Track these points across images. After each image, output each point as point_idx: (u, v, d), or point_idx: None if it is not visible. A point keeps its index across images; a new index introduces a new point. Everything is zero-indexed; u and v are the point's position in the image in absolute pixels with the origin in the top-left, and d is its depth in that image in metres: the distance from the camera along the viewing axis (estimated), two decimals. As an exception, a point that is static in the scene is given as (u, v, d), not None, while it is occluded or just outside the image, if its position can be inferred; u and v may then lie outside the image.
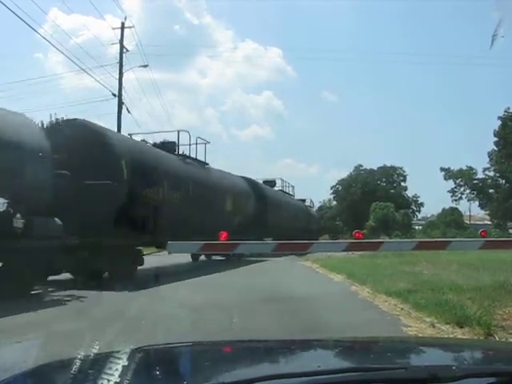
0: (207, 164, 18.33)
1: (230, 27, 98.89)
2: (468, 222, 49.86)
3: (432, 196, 78.43)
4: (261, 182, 26.40)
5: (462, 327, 5.95)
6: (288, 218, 26.81)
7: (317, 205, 52.82)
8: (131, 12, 78.11)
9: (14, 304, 7.50)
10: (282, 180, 30.80)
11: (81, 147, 11.23)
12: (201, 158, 17.94)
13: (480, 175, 48.19)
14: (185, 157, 16.71)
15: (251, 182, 23.27)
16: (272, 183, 28.81)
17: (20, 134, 9.69)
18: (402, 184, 56.42)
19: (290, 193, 32.33)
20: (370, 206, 46.75)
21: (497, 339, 5.34)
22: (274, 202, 25.01)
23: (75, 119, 12.40)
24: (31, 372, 1.70)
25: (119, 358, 1.51)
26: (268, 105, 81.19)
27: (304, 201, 36.58)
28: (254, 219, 20.75)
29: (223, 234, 6.14)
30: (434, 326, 6.17)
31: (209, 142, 18.44)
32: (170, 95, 70.39)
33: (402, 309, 7.53)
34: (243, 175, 23.19)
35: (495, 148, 44.34)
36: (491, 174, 46.94)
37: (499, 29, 5.52)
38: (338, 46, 79.81)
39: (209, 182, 17.47)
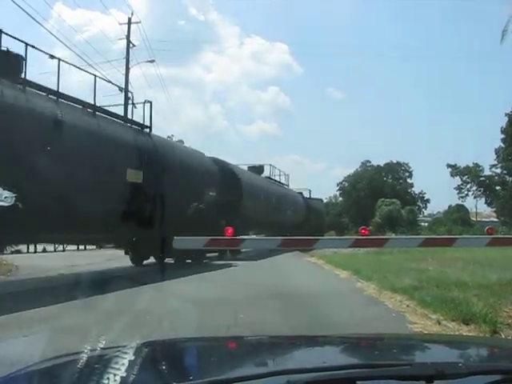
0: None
1: (236, 23, 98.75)
2: (474, 219, 49.61)
3: (438, 193, 78.11)
4: (245, 167, 24.51)
5: (467, 324, 5.93)
6: (274, 211, 24.65)
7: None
8: (136, 7, 77.92)
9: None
10: (272, 166, 28.07)
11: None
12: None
13: (487, 172, 47.92)
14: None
15: (218, 163, 19.27)
16: (259, 169, 25.95)
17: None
18: (409, 180, 56.13)
19: (283, 181, 30.06)
20: (376, 203, 46.60)
21: (503, 337, 5.33)
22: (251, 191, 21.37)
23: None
24: (38, 366, 1.70)
25: (126, 353, 1.51)
26: (274, 101, 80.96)
27: (301, 193, 34.54)
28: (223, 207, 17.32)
29: (229, 230, 6.10)
30: (439, 323, 6.15)
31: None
32: (176, 90, 70.38)
33: (407, 305, 7.50)
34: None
35: (502, 145, 44.04)
36: (498, 171, 46.59)
37: (509, 24, 5.48)
38: (344, 43, 79.60)
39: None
